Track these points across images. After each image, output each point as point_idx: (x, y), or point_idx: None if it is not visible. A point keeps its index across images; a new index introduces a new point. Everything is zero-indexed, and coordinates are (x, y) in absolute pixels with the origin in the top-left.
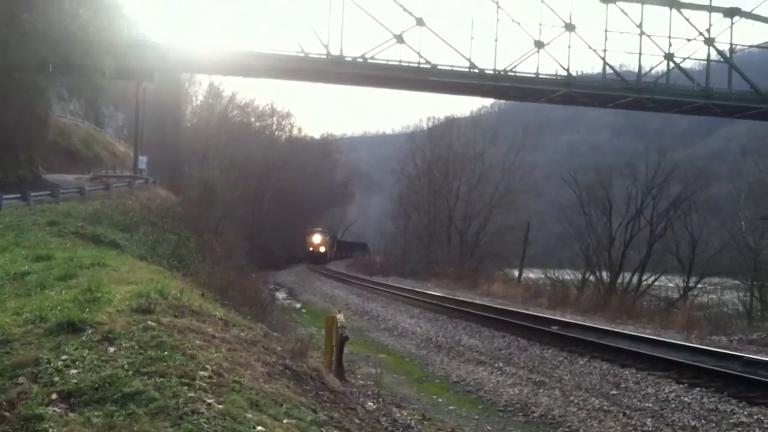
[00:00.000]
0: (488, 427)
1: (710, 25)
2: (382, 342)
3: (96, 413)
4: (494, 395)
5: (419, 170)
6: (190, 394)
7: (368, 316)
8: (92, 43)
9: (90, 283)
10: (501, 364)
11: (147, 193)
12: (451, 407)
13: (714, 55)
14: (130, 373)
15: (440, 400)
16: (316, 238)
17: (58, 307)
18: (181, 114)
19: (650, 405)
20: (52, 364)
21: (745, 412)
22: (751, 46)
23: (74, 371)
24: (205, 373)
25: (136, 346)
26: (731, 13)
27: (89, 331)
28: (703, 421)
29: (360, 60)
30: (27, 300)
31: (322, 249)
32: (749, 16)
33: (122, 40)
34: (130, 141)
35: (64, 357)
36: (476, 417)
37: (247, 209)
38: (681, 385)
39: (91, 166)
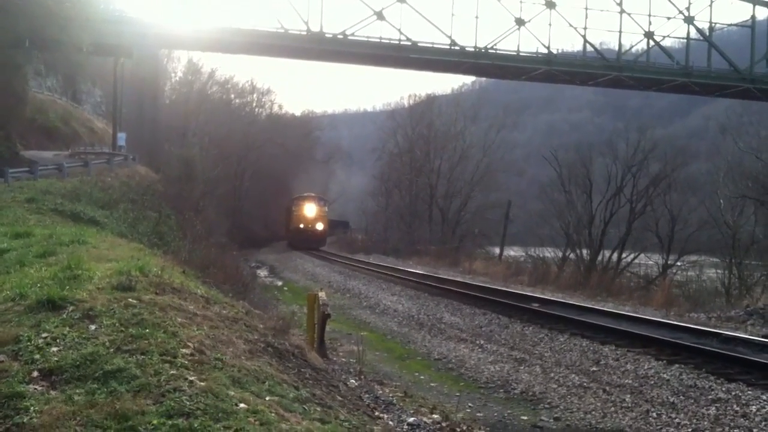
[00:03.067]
0: (469, 404)
1: (690, 4)
2: (364, 319)
3: (77, 391)
4: (475, 372)
5: (400, 148)
6: (171, 372)
7: (350, 293)
8: (69, 19)
9: (70, 261)
10: (482, 342)
11: (126, 170)
12: (432, 384)
13: (693, 34)
14: (112, 350)
15: (422, 377)
16: (310, 210)
17: (38, 285)
18: (159, 90)
19: (629, 381)
20: (32, 342)
21: (723, 389)
22: (730, 25)
23: (55, 349)
24: (187, 351)
25: (117, 324)
26: None
27: (70, 309)
28: (681, 397)
29: (340, 37)
30: (6, 278)
31: (320, 226)
32: None
33: (99, 16)
34: (109, 118)
35: (44, 335)
36: (457, 394)
37: (228, 187)
38: (660, 362)
39: (69, 142)
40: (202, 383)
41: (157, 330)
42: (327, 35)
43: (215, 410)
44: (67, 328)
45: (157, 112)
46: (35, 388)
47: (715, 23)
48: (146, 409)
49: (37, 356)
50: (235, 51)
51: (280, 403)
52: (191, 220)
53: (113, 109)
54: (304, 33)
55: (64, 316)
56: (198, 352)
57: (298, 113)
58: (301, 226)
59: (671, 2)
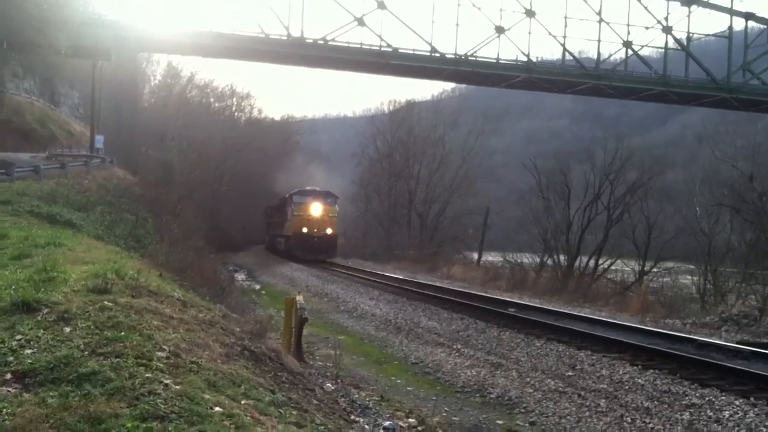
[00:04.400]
0: (446, 408)
1: (668, 14)
2: (341, 323)
3: (51, 394)
4: (452, 376)
5: (380, 154)
6: (147, 375)
7: (328, 297)
8: (47, 21)
9: (45, 263)
10: (459, 346)
11: (104, 172)
12: (409, 388)
13: (671, 44)
14: (86, 353)
15: (399, 381)
16: (316, 209)
17: (13, 287)
18: (138, 94)
19: (605, 386)
20: (6, 344)
21: (697, 394)
22: (707, 35)
23: (29, 351)
24: (163, 354)
25: (92, 327)
26: (689, 1)
27: (44, 311)
28: (656, 402)
29: (321, 42)
30: None
31: (329, 230)
32: (706, 5)
33: (77, 18)
34: (87, 120)
35: (18, 337)
36: (434, 398)
37: (206, 191)
38: (635, 367)
39: (46, 145)
40: (177, 386)
41: (133, 333)
42: (308, 40)
43: (190, 414)
44: (42, 331)
45: (135, 115)
46: (8, 391)
47: (693, 33)
48: (120, 412)
49: (11, 358)
50: (215, 55)
51: (256, 406)
52: (169, 224)
53: (91, 111)
54: (285, 38)
55: (39, 318)
56: (174, 355)
57: (277, 118)
58: (304, 230)
59: (649, 12)
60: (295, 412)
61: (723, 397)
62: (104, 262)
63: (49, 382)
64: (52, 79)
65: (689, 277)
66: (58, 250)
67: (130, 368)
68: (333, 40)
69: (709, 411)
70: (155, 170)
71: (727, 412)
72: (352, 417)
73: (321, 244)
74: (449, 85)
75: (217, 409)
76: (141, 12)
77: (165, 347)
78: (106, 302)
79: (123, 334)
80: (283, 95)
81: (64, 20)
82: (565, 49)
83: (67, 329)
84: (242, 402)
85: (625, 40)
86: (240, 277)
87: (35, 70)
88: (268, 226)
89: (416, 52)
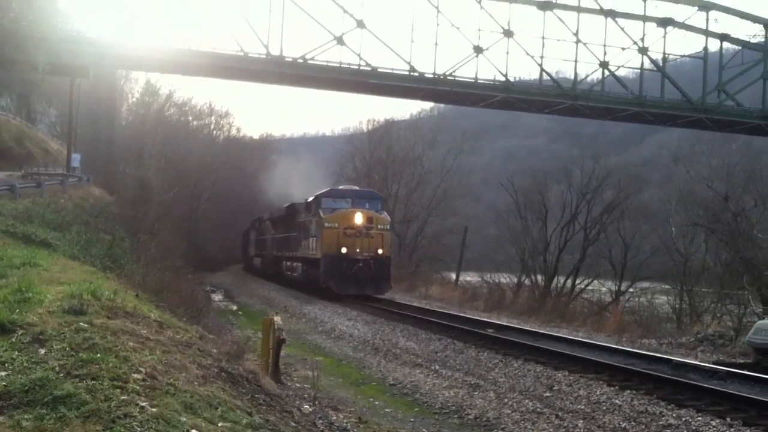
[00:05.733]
0: (424, 430)
1: (644, 35)
2: (319, 344)
3: (26, 416)
4: (430, 397)
5: (358, 172)
6: (122, 397)
7: (306, 318)
8: (24, 37)
9: (20, 283)
10: (437, 367)
11: (80, 191)
12: (387, 410)
13: (647, 64)
14: (62, 375)
15: (377, 402)
16: (360, 218)
17: None
18: (116, 111)
19: (582, 407)
20: None
21: (674, 414)
22: (683, 56)
23: (3, 373)
24: (139, 376)
25: (67, 348)
26: (665, 23)
27: (19, 333)
28: (633, 423)
29: (300, 61)
30: None
31: (380, 250)
32: (682, 26)
33: (56, 35)
34: (64, 138)
35: None
36: (412, 419)
37: (184, 210)
38: (612, 388)
39: (22, 163)
40: (153, 409)
41: (109, 355)
42: (287, 59)
43: None
44: (16, 352)
45: (113, 133)
46: None
47: (669, 54)
48: None
49: None
50: (193, 73)
51: (233, 429)
52: (146, 243)
53: (68, 129)
54: (264, 56)
55: (14, 339)
56: (150, 377)
57: (256, 136)
58: (344, 251)
59: (626, 33)
60: None
61: (699, 418)
62: (80, 282)
63: (23, 404)
64: (29, 97)
65: (665, 297)
66: (34, 270)
67: (105, 390)
68: (312, 58)
69: (685, 431)
70: (133, 188)
71: None
72: None
73: (369, 271)
74: (428, 104)
75: (193, 431)
76: (120, 29)
77: (141, 369)
78: (81, 323)
79: (99, 355)
80: (262, 114)
81: (43, 37)
82: (542, 69)
83: (42, 351)
84: (219, 424)
85: (602, 60)
86: (217, 297)
87: (12, 87)
88: (256, 244)
89: (395, 72)
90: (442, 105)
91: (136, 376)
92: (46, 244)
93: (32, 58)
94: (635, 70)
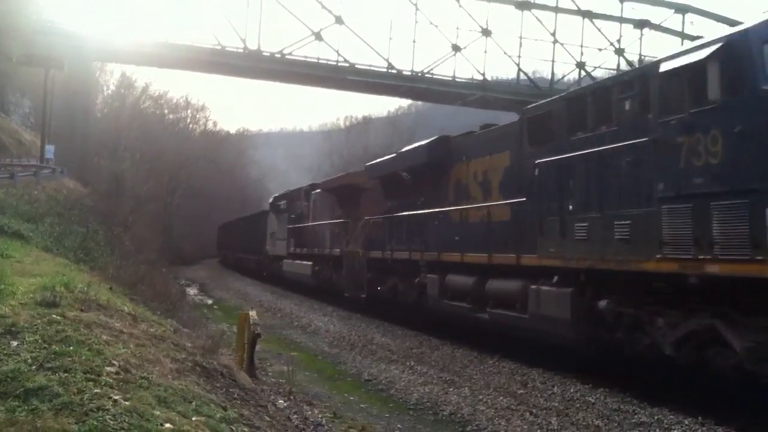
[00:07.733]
0: (398, 426)
1: (621, 36)
2: (294, 339)
3: None
4: (405, 394)
5: (336, 169)
6: (95, 390)
7: (281, 313)
8: None
9: None
10: (412, 363)
11: (54, 183)
12: (362, 405)
13: (624, 65)
14: (34, 368)
15: (352, 398)
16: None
17: None
18: (91, 103)
19: (556, 404)
20: None
21: (647, 412)
22: (659, 58)
23: None
24: (112, 369)
25: (40, 341)
26: (641, 24)
27: None
28: (606, 420)
29: (278, 56)
30: None
31: None
32: (658, 28)
33: (30, 26)
34: (38, 129)
35: None
36: (387, 415)
37: (159, 204)
38: (586, 386)
39: None
40: (126, 402)
41: (82, 347)
42: (264, 54)
43: (139, 430)
44: None
45: (87, 126)
46: None
47: (645, 56)
48: (68, 428)
49: None
50: (170, 66)
51: (207, 423)
52: (120, 236)
53: (42, 121)
54: (242, 50)
55: None
56: (123, 370)
57: (232, 131)
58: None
59: (603, 34)
60: (246, 429)
61: (671, 416)
62: (53, 274)
63: None
64: (3, 87)
65: None
66: (6, 261)
67: (78, 383)
68: (290, 54)
69: (657, 429)
70: (107, 181)
71: (676, 430)
72: None
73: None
74: (406, 102)
75: (167, 425)
76: (96, 21)
77: (114, 362)
78: (54, 316)
79: (71, 348)
80: (239, 108)
81: (17, 28)
82: (519, 69)
83: (14, 343)
84: (193, 418)
85: (579, 61)
86: (192, 291)
87: None
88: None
89: (373, 68)
90: (420, 103)
91: (109, 369)
92: (18, 236)
93: (6, 48)
94: (612, 71)
